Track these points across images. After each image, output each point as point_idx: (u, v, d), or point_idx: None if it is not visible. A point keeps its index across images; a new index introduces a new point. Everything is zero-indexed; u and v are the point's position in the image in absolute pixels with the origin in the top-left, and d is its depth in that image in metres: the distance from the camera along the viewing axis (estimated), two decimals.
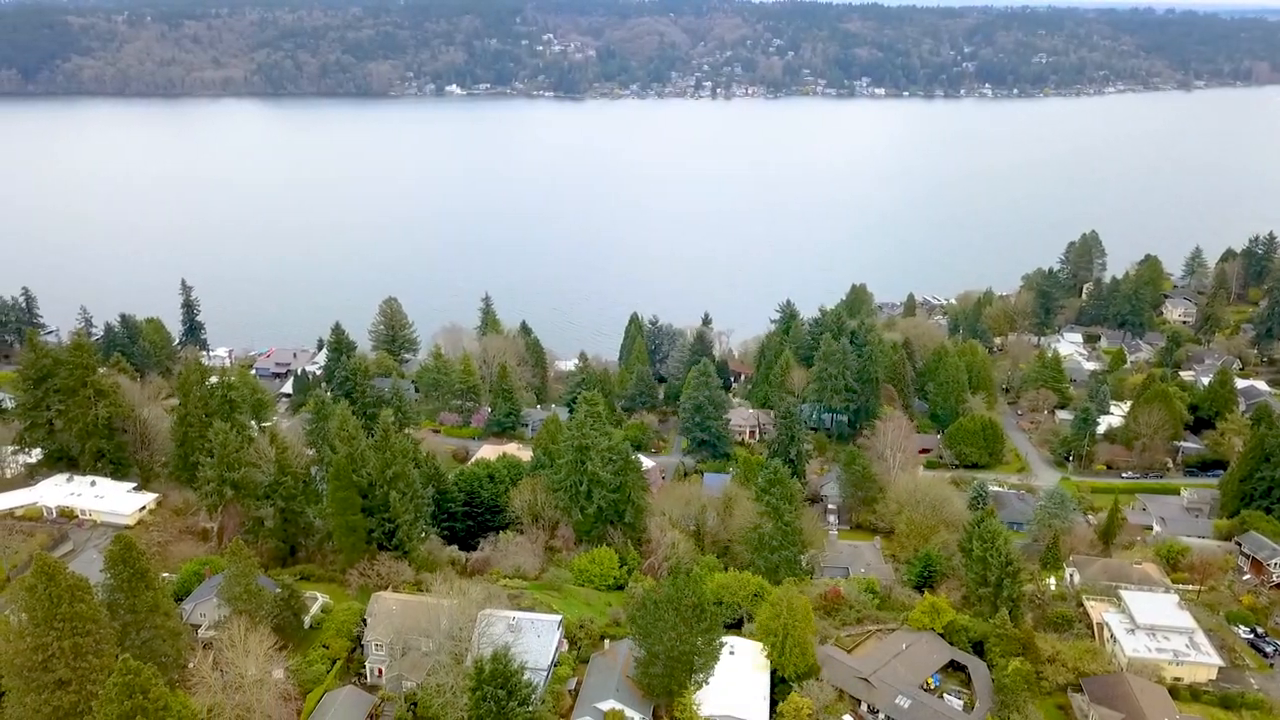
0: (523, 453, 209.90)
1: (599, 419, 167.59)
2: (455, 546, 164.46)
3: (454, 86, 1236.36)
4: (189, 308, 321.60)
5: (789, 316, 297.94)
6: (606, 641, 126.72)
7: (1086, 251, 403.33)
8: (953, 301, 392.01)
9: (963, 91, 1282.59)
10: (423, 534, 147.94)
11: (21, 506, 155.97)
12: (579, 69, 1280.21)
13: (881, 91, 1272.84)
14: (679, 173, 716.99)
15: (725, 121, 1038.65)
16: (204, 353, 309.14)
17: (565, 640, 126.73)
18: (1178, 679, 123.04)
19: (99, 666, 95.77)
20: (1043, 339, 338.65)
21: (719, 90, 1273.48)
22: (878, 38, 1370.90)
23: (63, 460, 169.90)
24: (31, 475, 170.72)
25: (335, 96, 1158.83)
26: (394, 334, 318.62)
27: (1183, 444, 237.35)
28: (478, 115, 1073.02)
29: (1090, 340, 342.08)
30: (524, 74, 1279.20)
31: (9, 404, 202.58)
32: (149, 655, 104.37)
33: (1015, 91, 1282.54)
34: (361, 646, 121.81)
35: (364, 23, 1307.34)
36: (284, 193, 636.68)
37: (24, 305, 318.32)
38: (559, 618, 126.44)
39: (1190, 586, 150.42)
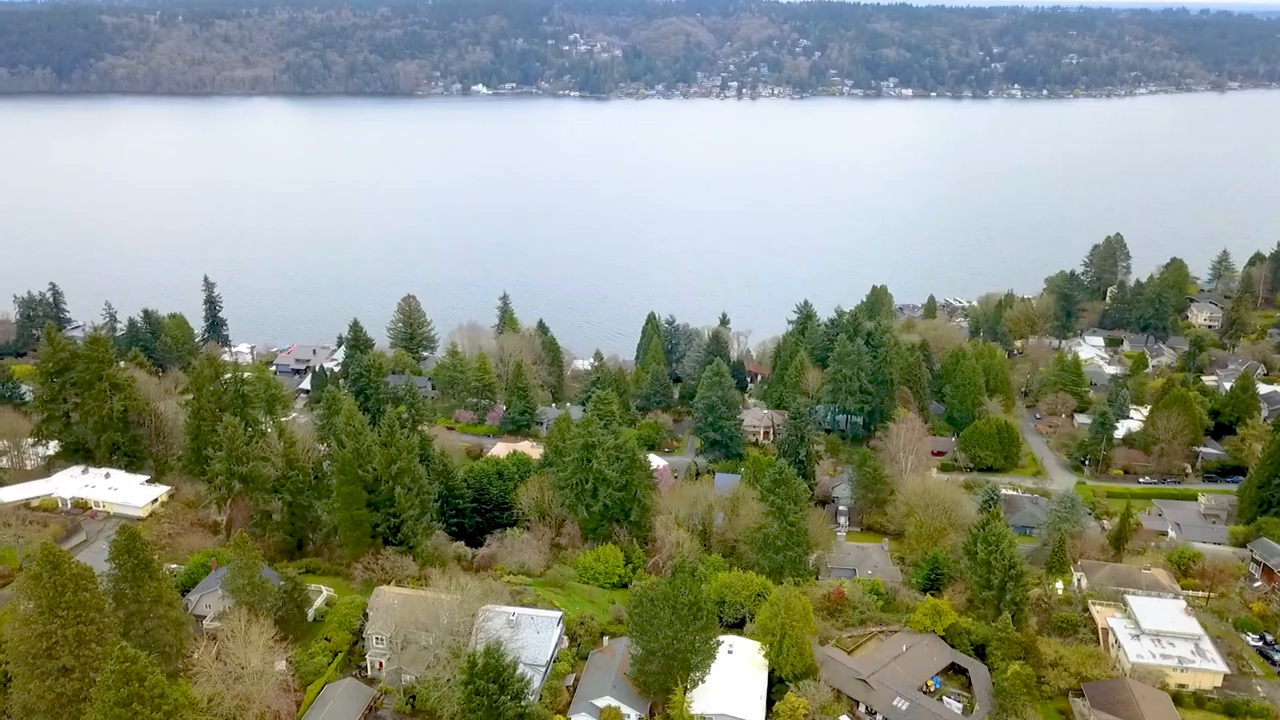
0: (536, 450, 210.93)
1: (611, 418, 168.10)
2: (463, 542, 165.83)
3: (480, 86, 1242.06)
4: (211, 304, 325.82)
5: (805, 317, 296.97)
6: (606, 639, 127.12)
7: (1111, 254, 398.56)
8: (974, 304, 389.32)
9: (991, 92, 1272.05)
10: (427, 529, 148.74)
11: (38, 497, 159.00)
12: (605, 69, 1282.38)
13: (909, 92, 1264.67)
14: (702, 173, 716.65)
15: (750, 122, 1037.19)
16: (225, 349, 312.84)
17: (566, 637, 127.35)
18: (1182, 685, 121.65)
19: (102, 654, 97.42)
20: (1064, 342, 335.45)
21: (744, 90, 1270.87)
22: (905, 38, 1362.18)
23: (79, 452, 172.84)
24: (49, 467, 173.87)
25: (363, 96, 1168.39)
26: (412, 331, 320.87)
27: (1202, 449, 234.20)
28: (503, 115, 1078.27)
29: (1113, 344, 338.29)
30: (550, 74, 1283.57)
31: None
32: (152, 644, 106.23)
33: (1044, 93, 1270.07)
34: (363, 640, 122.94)
35: (392, 22, 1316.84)
36: (309, 191, 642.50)
37: (51, 300, 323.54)
38: (559, 614, 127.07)
39: (1200, 593, 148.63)
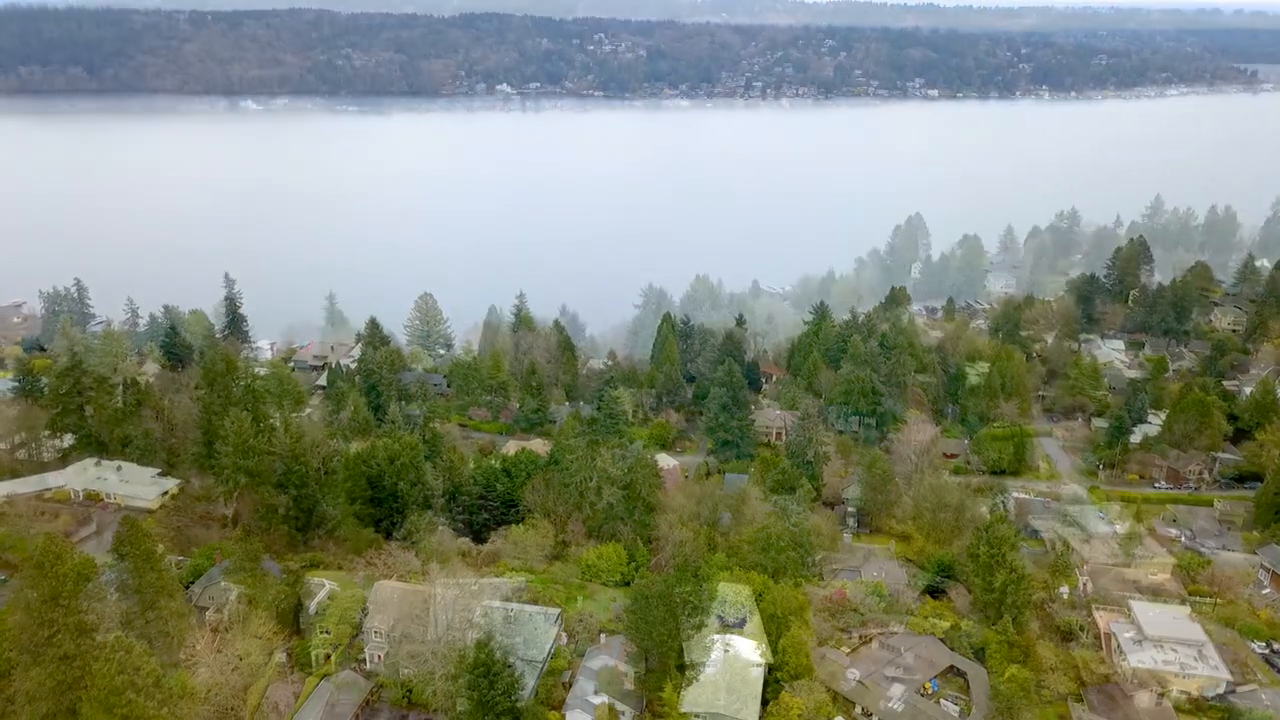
0: (546, 448, 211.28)
1: (621, 416, 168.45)
2: (469, 539, 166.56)
3: (504, 85, 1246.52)
4: (231, 301, 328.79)
5: (820, 318, 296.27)
6: (603, 636, 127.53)
7: (1134, 257, 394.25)
8: (994, 305, 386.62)
9: (1018, 93, 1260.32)
10: (431, 524, 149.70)
11: (51, 489, 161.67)
12: (629, 69, 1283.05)
13: (935, 93, 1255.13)
14: (721, 173, 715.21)
15: (773, 122, 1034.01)
16: (245, 345, 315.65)
17: (564, 634, 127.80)
18: (1184, 691, 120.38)
19: (102, 644, 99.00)
20: (1083, 345, 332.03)
21: (769, 91, 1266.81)
22: (933, 38, 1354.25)
23: (93, 445, 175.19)
24: (64, 459, 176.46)
25: (388, 95, 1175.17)
26: (429, 329, 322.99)
27: (1220, 455, 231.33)
28: (527, 114, 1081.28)
29: (1134, 347, 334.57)
30: (574, 73, 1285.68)
31: None
32: (152, 635, 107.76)
33: (1073, 94, 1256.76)
34: (362, 633, 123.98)
35: (417, 22, 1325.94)
36: (332, 191, 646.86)
37: (76, 296, 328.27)
38: (558, 611, 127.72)
39: (1207, 599, 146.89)
